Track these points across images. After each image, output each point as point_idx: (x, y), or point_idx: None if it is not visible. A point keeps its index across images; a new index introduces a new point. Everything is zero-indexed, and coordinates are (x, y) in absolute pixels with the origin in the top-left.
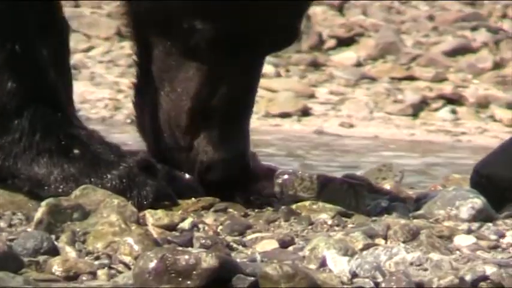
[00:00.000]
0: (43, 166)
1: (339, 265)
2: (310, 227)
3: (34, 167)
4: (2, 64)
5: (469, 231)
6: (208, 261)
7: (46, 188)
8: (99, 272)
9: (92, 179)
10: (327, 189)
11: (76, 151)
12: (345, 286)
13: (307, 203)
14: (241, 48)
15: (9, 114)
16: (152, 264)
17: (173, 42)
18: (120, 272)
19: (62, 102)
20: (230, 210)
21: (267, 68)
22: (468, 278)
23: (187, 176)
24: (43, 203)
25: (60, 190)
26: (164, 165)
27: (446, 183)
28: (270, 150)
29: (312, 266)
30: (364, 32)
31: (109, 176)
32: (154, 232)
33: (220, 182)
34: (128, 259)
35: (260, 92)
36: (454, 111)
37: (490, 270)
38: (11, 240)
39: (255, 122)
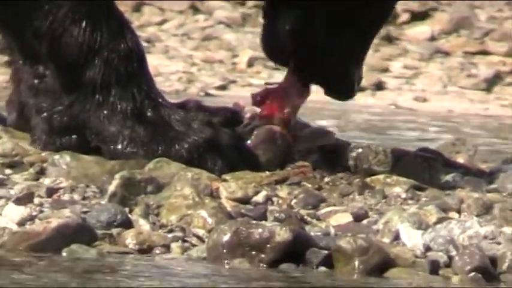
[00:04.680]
0: (115, 124)
1: (413, 239)
2: (384, 200)
3: (105, 123)
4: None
5: None
6: (282, 234)
7: (112, 146)
8: (173, 245)
9: (160, 148)
10: (401, 162)
11: (149, 114)
12: (418, 259)
13: (381, 176)
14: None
15: (81, 66)
16: (226, 238)
17: None
18: (194, 245)
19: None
20: (304, 183)
21: None
22: None
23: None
24: (117, 176)
25: (126, 151)
26: (233, 137)
27: None
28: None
29: (386, 240)
30: (438, 7)
31: (177, 147)
32: (228, 205)
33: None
34: (201, 232)
35: None
36: None
37: None
38: (85, 212)
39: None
